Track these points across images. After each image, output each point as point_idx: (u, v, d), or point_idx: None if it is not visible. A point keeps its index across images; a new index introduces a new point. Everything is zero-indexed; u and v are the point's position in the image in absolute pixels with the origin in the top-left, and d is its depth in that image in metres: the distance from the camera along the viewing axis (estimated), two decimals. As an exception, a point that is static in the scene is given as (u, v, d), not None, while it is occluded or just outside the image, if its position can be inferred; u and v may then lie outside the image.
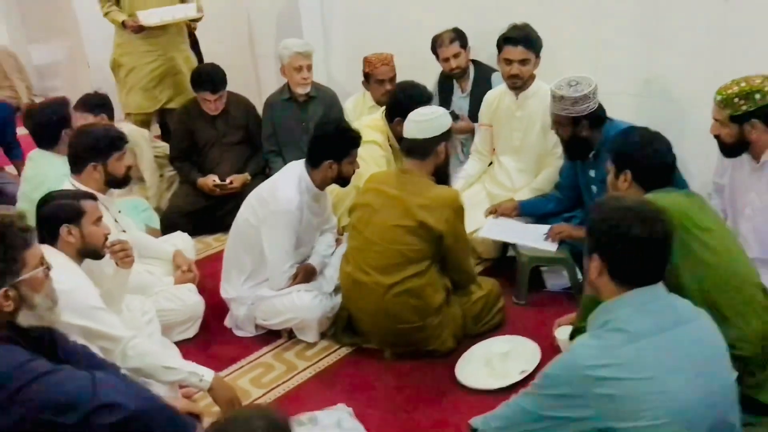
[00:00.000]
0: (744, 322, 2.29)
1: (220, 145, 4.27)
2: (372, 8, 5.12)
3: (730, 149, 2.79)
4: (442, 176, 2.85)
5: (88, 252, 2.56)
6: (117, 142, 3.01)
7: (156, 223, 4.05)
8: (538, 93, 3.52)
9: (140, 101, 4.54)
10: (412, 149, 2.78)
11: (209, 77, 4.08)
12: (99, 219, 2.59)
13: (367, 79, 4.28)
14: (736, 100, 2.65)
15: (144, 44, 4.59)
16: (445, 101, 4.37)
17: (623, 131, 2.68)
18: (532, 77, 3.57)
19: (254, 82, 5.74)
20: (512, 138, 3.70)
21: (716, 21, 3.31)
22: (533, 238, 3.22)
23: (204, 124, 4.24)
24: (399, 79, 4.62)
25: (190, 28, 5.56)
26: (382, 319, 2.76)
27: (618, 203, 1.77)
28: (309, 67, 4.24)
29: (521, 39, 3.41)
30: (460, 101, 4.26)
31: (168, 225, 4.09)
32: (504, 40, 3.47)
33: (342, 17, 5.38)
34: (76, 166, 2.98)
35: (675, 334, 1.69)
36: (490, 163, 3.93)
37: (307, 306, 2.91)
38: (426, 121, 2.76)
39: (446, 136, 2.79)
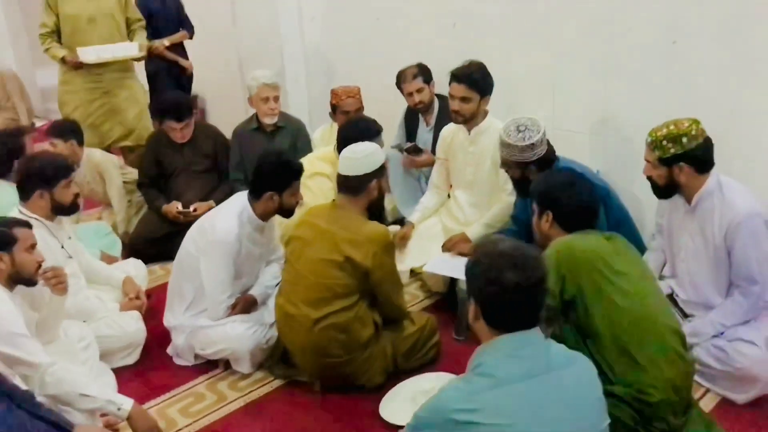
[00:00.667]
0: (654, 367, 2.28)
1: (187, 172, 4.33)
2: (349, 42, 5.22)
3: (661, 191, 2.81)
4: (376, 212, 2.88)
5: (19, 279, 2.60)
6: (63, 170, 3.08)
7: (117, 249, 4.11)
8: (490, 129, 3.55)
9: (88, 139, 4.62)
10: (344, 185, 2.81)
11: (174, 106, 4.15)
12: (32, 246, 2.63)
13: (334, 110, 4.34)
14: (664, 142, 2.67)
15: (86, 82, 4.69)
16: (411, 134, 4.42)
17: (547, 172, 2.70)
18: (483, 113, 3.60)
19: (243, 110, 5.82)
20: (465, 172, 3.73)
21: (665, 61, 3.34)
22: None
23: (172, 151, 4.31)
24: (371, 111, 4.70)
25: (185, 72, 5.66)
26: (310, 352, 2.78)
27: (492, 248, 1.78)
28: (276, 98, 4.31)
29: (463, 77, 3.45)
30: (425, 135, 4.31)
31: (132, 250, 4.16)
32: (450, 76, 3.52)
33: (322, 50, 5.48)
34: (24, 194, 3.05)
35: (544, 380, 1.69)
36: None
37: (239, 337, 2.94)
38: (358, 159, 2.79)
39: (379, 173, 2.81)
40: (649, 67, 3.42)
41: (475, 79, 3.45)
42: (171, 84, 5.54)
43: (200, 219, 3.18)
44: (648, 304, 2.35)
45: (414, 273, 3.77)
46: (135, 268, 3.63)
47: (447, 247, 3.57)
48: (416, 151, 4.21)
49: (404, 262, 3.77)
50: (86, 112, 4.70)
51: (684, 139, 2.63)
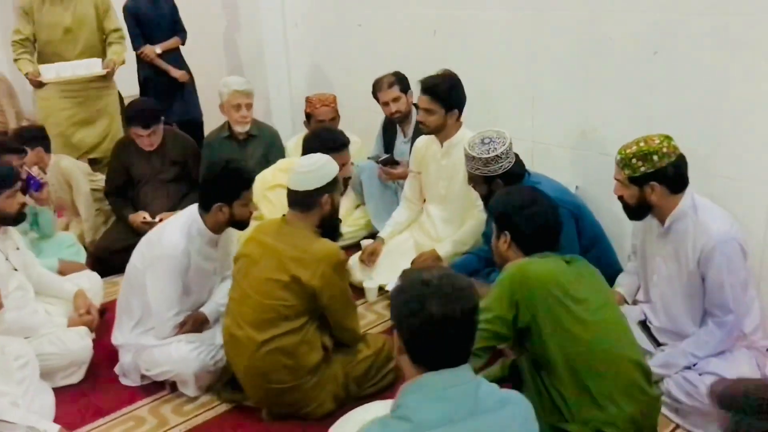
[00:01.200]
0: (613, 403, 2.11)
1: (155, 181, 4.17)
2: (332, 49, 5.09)
3: (633, 211, 2.63)
4: (329, 228, 2.70)
5: (-52, 294, 2.47)
6: (7, 179, 2.94)
7: (81, 259, 3.97)
8: (463, 142, 3.36)
9: (59, 149, 4.46)
10: (294, 201, 2.64)
11: (141, 112, 3.99)
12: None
13: (308, 119, 4.21)
14: (634, 160, 2.49)
15: (59, 90, 4.55)
16: (389, 145, 4.27)
17: (506, 189, 2.53)
18: (457, 126, 3.44)
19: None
20: (438, 186, 3.57)
21: (647, 73, 3.17)
22: None
23: (139, 159, 4.16)
24: (354, 120, 4.55)
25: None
26: (255, 377, 2.61)
27: (418, 276, 1.61)
28: (248, 106, 4.17)
29: (427, 89, 3.31)
30: (402, 146, 4.16)
31: (98, 261, 4.01)
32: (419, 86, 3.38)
33: (305, 56, 5.35)
34: (-35, 204, 2.91)
35: (467, 426, 1.51)
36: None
37: (183, 359, 2.76)
38: (307, 172, 2.62)
39: (330, 187, 2.64)
40: (630, 79, 3.25)
41: (440, 92, 3.30)
42: (162, 92, 5.23)
43: (150, 231, 3.02)
44: (608, 335, 2.18)
45: (383, 290, 3.61)
46: (89, 281, 3.47)
47: (416, 265, 3.41)
48: (392, 163, 4.05)
49: (373, 279, 3.62)
50: (57, 121, 4.56)
51: (654, 157, 2.46)
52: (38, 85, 4.46)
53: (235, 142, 4.25)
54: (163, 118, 4.11)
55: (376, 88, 4.07)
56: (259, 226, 2.79)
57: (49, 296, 3.27)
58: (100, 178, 4.44)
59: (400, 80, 3.99)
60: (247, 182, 2.87)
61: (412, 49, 4.34)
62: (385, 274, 3.58)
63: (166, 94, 5.22)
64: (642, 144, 2.49)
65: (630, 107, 3.28)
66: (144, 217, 4.03)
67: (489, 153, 2.87)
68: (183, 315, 2.90)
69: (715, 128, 2.98)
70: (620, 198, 2.62)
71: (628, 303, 2.87)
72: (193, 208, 2.94)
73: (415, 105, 4.04)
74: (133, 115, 4.01)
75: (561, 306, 2.16)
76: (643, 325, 2.75)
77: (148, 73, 5.31)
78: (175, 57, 5.37)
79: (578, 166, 3.59)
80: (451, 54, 4.05)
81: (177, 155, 4.22)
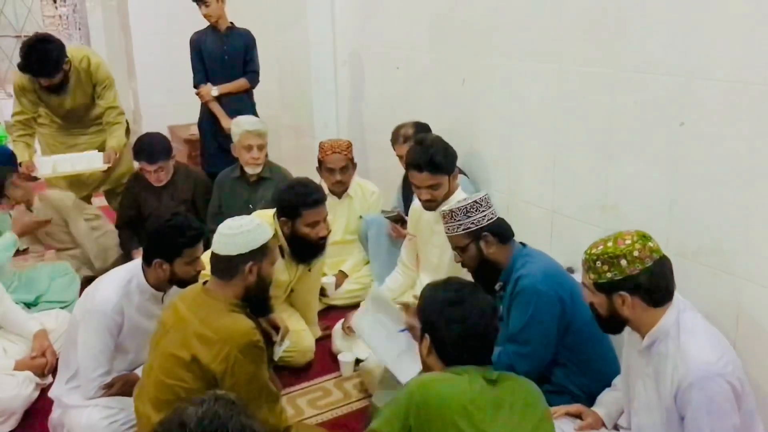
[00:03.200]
0: None
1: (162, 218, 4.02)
2: (372, 89, 4.83)
3: (606, 323, 2.14)
4: (256, 303, 2.39)
5: None
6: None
7: (74, 289, 3.85)
8: (457, 206, 2.99)
9: (68, 187, 4.33)
10: (214, 266, 2.35)
11: (147, 147, 3.89)
12: None
13: (320, 165, 3.93)
14: (598, 264, 2.02)
15: (58, 128, 4.31)
16: (407, 200, 3.92)
17: (436, 283, 2.08)
18: (452, 189, 3.06)
19: (277, 153, 5.54)
20: (431, 254, 3.20)
21: (671, 147, 2.66)
22: (394, 357, 2.66)
23: (150, 194, 4.06)
24: (389, 167, 4.22)
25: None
26: (151, 461, 2.33)
27: (180, 412, 1.26)
28: (260, 147, 3.96)
29: (425, 165, 2.97)
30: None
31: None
32: (407, 165, 3.03)
33: (351, 96, 5.11)
34: None
35: None
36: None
37: (90, 426, 2.52)
38: (232, 235, 2.32)
39: (256, 255, 2.32)
40: (654, 153, 2.74)
41: (437, 162, 2.99)
42: (215, 139, 4.72)
43: (93, 282, 2.84)
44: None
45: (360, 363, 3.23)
46: (57, 320, 3.34)
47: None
48: (400, 220, 3.69)
49: (351, 352, 3.26)
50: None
51: (623, 262, 1.97)
52: (30, 179, 4.04)
53: (245, 183, 4.05)
54: (173, 154, 3.97)
55: (393, 139, 3.75)
56: (184, 290, 2.53)
57: (13, 333, 3.18)
58: (91, 207, 4.35)
59: (418, 133, 3.63)
60: (191, 240, 2.62)
61: (441, 95, 3.98)
62: (365, 346, 3.21)
63: (219, 141, 4.66)
64: (609, 244, 2.01)
65: (651, 185, 2.77)
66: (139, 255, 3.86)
67: (467, 201, 2.55)
68: (113, 375, 2.68)
69: (747, 219, 2.42)
70: (590, 306, 2.14)
71: (607, 428, 2.35)
72: (139, 261, 2.73)
73: None
74: (139, 149, 3.92)
75: (461, 439, 1.74)
76: (621, 459, 2.24)
77: (205, 115, 4.78)
78: (241, 102, 4.71)
79: (596, 244, 3.08)
80: (477, 105, 3.66)
81: (186, 192, 4.09)
